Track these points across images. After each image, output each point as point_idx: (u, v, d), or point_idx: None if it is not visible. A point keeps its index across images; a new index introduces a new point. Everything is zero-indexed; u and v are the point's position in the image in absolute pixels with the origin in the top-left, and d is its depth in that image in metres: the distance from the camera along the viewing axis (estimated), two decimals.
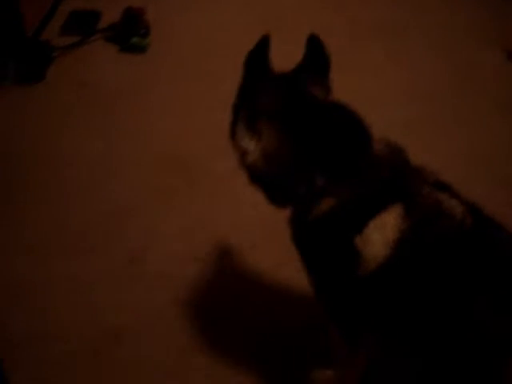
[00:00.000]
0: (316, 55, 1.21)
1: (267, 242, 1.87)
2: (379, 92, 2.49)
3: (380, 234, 1.08)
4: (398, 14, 3.10)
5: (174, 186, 2.09)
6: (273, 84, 1.20)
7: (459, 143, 2.32)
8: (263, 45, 1.21)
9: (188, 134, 2.33)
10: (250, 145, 1.18)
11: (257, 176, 1.22)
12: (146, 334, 1.64)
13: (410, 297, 1.08)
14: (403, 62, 2.77)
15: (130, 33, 2.79)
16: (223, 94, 2.52)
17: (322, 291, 1.25)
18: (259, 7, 3.19)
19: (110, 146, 2.26)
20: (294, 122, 1.14)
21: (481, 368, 0.96)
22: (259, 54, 1.21)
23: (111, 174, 2.13)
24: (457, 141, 2.33)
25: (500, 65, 2.76)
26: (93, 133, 2.32)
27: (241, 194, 2.05)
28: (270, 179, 1.20)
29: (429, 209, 1.08)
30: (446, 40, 2.93)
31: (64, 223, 1.96)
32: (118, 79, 2.63)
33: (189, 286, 1.76)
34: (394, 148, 1.20)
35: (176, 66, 2.73)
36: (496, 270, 1.01)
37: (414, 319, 1.08)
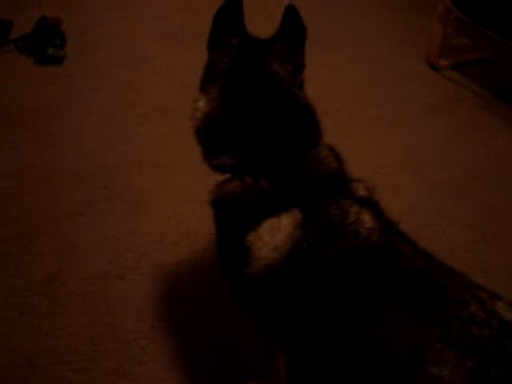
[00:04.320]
0: (292, 27, 1.16)
1: (192, 257, 1.82)
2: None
3: (271, 236, 1.06)
4: (324, 22, 3.18)
5: (93, 200, 1.99)
6: (235, 49, 1.17)
7: (391, 148, 2.37)
8: (235, 2, 1.16)
9: (107, 146, 2.25)
10: (200, 103, 1.18)
11: (197, 135, 1.21)
12: (64, 360, 1.53)
13: (303, 307, 1.05)
14: (333, 69, 2.83)
15: (45, 43, 2.67)
16: (145, 105, 2.51)
17: (223, 277, 1.22)
18: (179, 15, 3.17)
19: (26, 160, 2.14)
20: (234, 90, 1.15)
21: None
22: (229, 11, 1.16)
23: (26, 190, 2.01)
24: (389, 145, 2.39)
25: (423, 73, 2.88)
26: (8, 146, 2.19)
27: (163, 208, 2.00)
28: (202, 139, 1.20)
29: (330, 222, 1.06)
30: (373, 49, 3.03)
31: None
32: (34, 92, 2.51)
33: (110, 305, 1.67)
34: (333, 156, 1.18)
35: (95, 78, 2.64)
36: (398, 286, 0.99)
37: (311, 332, 1.04)
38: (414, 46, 3.04)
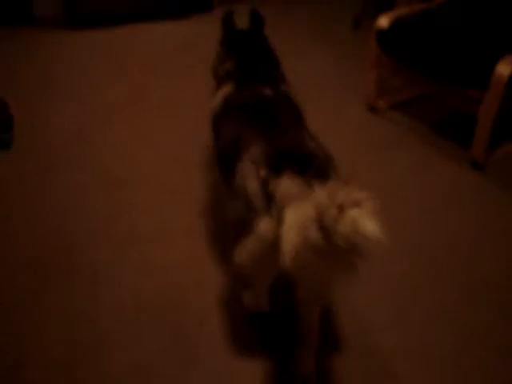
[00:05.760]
0: (256, 20, 2.19)
1: (154, 329, 1.81)
2: None
3: (221, 93, 1.96)
4: None
5: (52, 277, 1.99)
6: (234, 33, 2.20)
7: None
8: (229, 14, 2.18)
9: (66, 224, 2.26)
10: (217, 62, 2.16)
11: (214, 73, 2.16)
12: None
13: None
14: None
15: None
16: (95, 179, 2.51)
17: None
18: (126, 89, 3.23)
19: None
20: (231, 45, 2.13)
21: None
22: (228, 18, 2.18)
23: None
24: None
25: (362, 115, 3.01)
26: None
27: (123, 282, 1.99)
28: (216, 71, 2.15)
29: (248, 89, 1.87)
30: (318, 97, 3.13)
31: None
32: None
33: None
34: (283, 76, 2.10)
35: (45, 159, 2.66)
36: (263, 119, 1.69)
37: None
38: (353, 93, 3.17)
